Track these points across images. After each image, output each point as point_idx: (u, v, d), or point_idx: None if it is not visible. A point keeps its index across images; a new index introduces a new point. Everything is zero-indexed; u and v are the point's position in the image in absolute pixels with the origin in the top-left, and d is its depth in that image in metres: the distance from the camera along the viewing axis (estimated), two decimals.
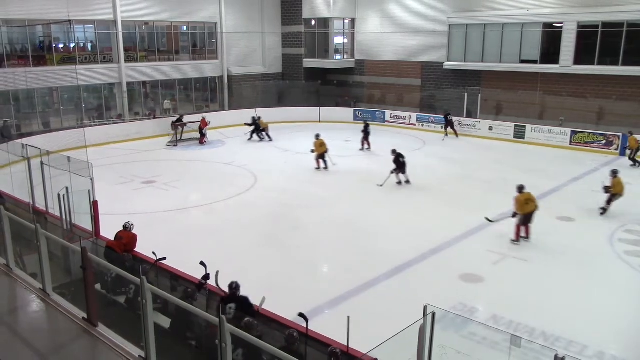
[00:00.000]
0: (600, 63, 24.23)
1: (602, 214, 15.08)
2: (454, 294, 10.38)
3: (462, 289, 10.70)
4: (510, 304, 10.05)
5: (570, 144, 24.13)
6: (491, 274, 11.36)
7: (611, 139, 23.20)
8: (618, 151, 22.81)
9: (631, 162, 20.56)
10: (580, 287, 10.84)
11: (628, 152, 20.75)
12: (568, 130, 24.28)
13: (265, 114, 27.37)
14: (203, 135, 25.18)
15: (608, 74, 23.95)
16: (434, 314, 6.01)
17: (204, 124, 25.28)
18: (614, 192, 15.11)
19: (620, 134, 22.84)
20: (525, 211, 12.92)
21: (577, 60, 24.81)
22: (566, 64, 25.05)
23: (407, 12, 30.55)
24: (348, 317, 6.87)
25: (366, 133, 23.38)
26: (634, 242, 13.10)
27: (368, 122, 24.15)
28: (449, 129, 26.62)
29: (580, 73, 24.69)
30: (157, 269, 9.47)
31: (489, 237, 13.49)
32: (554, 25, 25.58)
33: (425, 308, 5.97)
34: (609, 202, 15.15)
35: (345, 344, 7.42)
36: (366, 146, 23.26)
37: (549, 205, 16.10)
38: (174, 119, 25.88)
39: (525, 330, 9.01)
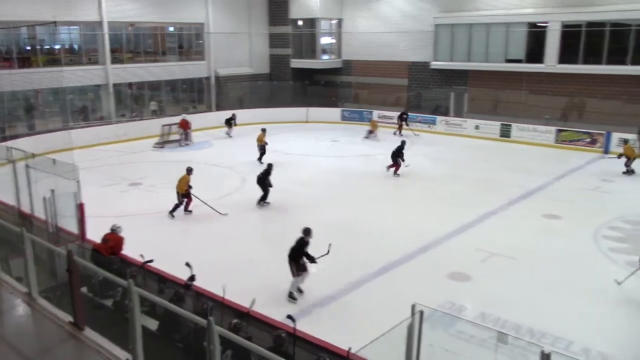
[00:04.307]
0: (584, 62, 24.50)
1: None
2: (442, 292, 10.44)
3: (450, 287, 10.76)
4: (497, 301, 10.14)
5: (555, 142, 24.37)
6: (479, 272, 11.44)
7: (595, 137, 23.46)
8: (602, 149, 23.09)
9: (624, 170, 19.53)
10: (566, 284, 10.95)
11: (624, 159, 19.58)
12: (553, 129, 24.53)
13: (253, 115, 27.37)
14: (185, 136, 25.11)
15: (592, 73, 24.21)
16: (422, 313, 6.06)
17: (184, 125, 25.17)
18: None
19: (605, 132, 23.13)
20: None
21: (562, 60, 25.06)
22: (551, 63, 25.30)
23: (394, 12, 30.65)
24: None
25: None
26: (618, 239, 13.26)
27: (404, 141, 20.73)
28: (404, 126, 26.91)
29: (564, 72, 24.93)
30: (144, 272, 9.43)
31: (477, 235, 13.59)
32: (539, 25, 25.82)
33: (413, 307, 6.01)
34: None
35: (335, 344, 7.44)
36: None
37: (535, 203, 16.30)
38: (167, 120, 25.85)
39: (512, 327, 9.09)
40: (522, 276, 11.33)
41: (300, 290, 10.37)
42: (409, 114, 27.59)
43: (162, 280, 9.60)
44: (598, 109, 24.07)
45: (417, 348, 6.01)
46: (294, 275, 10.22)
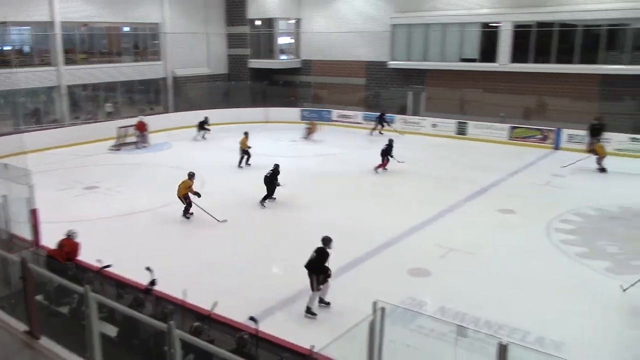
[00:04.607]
0: (535, 61, 25.30)
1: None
2: (403, 288, 10.61)
3: (410, 283, 10.95)
4: (456, 295, 10.37)
5: (509, 139, 25.10)
6: (438, 268, 11.67)
7: (546, 134, 24.27)
8: (553, 145, 23.90)
9: (599, 169, 19.59)
10: (521, 277, 11.30)
11: (595, 157, 19.71)
12: (507, 126, 25.25)
13: (212, 115, 27.09)
14: (142, 138, 24.70)
15: (542, 72, 25.03)
16: (383, 310, 6.15)
17: (141, 127, 24.74)
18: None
19: (555, 129, 23.94)
20: None
21: (514, 59, 25.80)
22: (504, 62, 26.01)
23: (352, 12, 30.89)
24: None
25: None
26: (569, 231, 13.77)
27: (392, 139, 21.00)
28: (384, 126, 27.10)
29: (517, 71, 25.68)
30: (102, 277, 9.25)
31: (436, 231, 13.88)
32: (491, 25, 26.50)
33: (374, 304, 6.10)
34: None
35: (298, 344, 7.48)
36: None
37: (490, 199, 16.75)
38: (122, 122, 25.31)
39: (471, 320, 9.32)
40: (479, 270, 11.63)
41: (326, 303, 9.80)
42: (386, 114, 27.60)
43: (121, 286, 9.44)
44: (549, 107, 24.90)
45: (379, 344, 6.10)
46: (314, 289, 9.54)
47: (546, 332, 8.97)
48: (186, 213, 14.68)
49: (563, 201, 16.24)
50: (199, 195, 14.49)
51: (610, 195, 16.84)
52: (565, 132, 23.75)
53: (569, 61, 24.39)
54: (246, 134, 20.61)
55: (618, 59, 23.59)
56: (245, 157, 20.32)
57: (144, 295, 8.21)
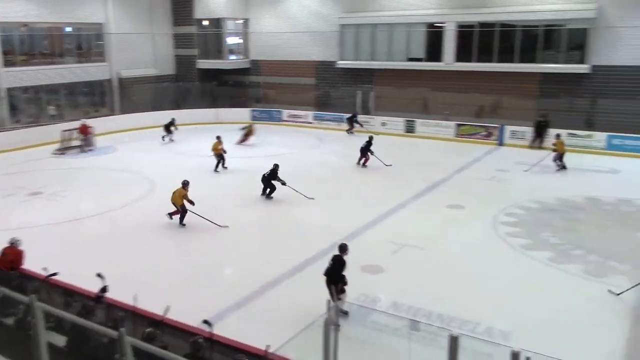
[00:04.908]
0: (478, 60, 26.12)
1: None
2: (356, 285, 10.67)
3: (364, 280, 11.07)
4: (409, 290, 10.59)
5: (455, 136, 25.79)
6: (390, 264, 11.88)
7: (490, 131, 25.08)
8: (497, 141, 24.73)
9: (557, 167, 19.59)
10: (470, 270, 11.66)
11: (554, 154, 19.70)
12: (453, 124, 25.93)
13: (161, 117, 26.58)
14: (86, 141, 23.97)
15: (485, 71, 25.85)
16: (337, 307, 6.24)
17: (84, 130, 24.00)
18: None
19: (499, 126, 24.78)
20: None
21: (459, 58, 26.57)
22: (449, 61, 26.71)
23: (300, 12, 30.94)
24: None
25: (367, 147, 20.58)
26: (513, 224, 14.31)
27: (372, 136, 21.32)
28: (354, 127, 27.28)
29: (461, 70, 26.43)
30: (48, 286, 8.96)
31: (388, 228, 14.12)
32: (436, 25, 27.14)
33: (329, 301, 6.19)
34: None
35: (253, 345, 7.48)
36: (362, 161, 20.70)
37: (439, 195, 17.18)
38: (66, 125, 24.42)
39: (424, 314, 9.55)
40: (430, 265, 11.92)
41: (344, 312, 9.29)
42: (358, 114, 27.73)
43: (69, 294, 9.15)
44: (493, 104, 25.72)
45: (335, 342, 6.17)
46: (333, 299, 8.97)
47: (495, 323, 9.29)
48: (181, 220, 14.27)
49: (507, 195, 16.85)
50: (192, 203, 14.09)
51: (549, 188, 17.60)
52: (509, 129, 24.63)
53: (510, 60, 25.32)
54: (218, 137, 20.21)
55: (555, 58, 24.63)
56: (221, 161, 19.93)
57: (93, 303, 8.01)
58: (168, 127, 25.50)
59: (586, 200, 16.34)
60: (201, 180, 17.75)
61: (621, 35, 23.11)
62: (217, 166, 19.85)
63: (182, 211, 14.18)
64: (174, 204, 14.21)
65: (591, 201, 16.28)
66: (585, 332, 9.11)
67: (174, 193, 14.25)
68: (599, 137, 22.80)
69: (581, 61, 23.91)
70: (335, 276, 9.21)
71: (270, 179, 16.44)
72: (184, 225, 14.22)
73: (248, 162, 21.28)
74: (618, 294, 10.25)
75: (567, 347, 8.34)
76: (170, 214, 14.35)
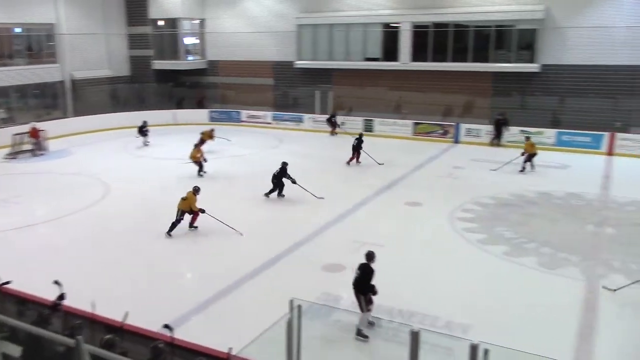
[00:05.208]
0: (433, 60, 26.58)
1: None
2: (318, 284, 10.79)
3: (325, 278, 11.16)
4: None
5: (413, 135, 26.21)
6: (352, 262, 11.93)
7: (447, 129, 25.61)
8: (453, 139, 25.27)
9: (521, 168, 19.43)
10: (430, 265, 11.91)
11: (522, 156, 19.47)
12: (410, 122, 26.35)
13: (116, 119, 26.02)
14: (37, 145, 23.24)
15: (441, 70, 26.36)
16: (300, 307, 6.25)
17: (34, 134, 23.26)
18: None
19: (454, 124, 25.33)
20: None
21: (415, 58, 26.96)
22: (405, 61, 27.11)
23: (257, 12, 30.80)
24: None
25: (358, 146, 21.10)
26: (470, 219, 14.67)
27: (362, 134, 21.86)
28: (336, 129, 27.25)
29: (417, 69, 26.85)
30: (0, 295, 8.66)
31: (348, 226, 14.25)
32: (392, 25, 27.50)
33: (291, 302, 6.19)
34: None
35: (215, 348, 7.43)
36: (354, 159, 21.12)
37: (398, 192, 17.44)
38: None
39: (385, 310, 9.65)
40: (390, 262, 12.00)
41: (371, 323, 9.07)
42: (336, 115, 27.62)
43: (22, 302, 8.87)
44: (448, 103, 26.25)
45: (298, 342, 6.20)
46: (363, 310, 8.78)
47: (454, 317, 9.51)
48: (192, 223, 13.89)
49: (463, 191, 17.25)
50: (203, 210, 13.65)
51: (503, 183, 18.11)
52: (464, 127, 25.20)
53: (464, 60, 25.89)
54: (196, 145, 19.82)
55: (506, 58, 25.35)
56: (200, 166, 19.39)
57: (50, 311, 7.79)
58: (142, 130, 24.67)
59: (538, 195, 16.89)
60: (153, 183, 17.47)
61: (568, 36, 23.98)
62: (200, 171, 19.31)
63: (194, 214, 13.78)
64: (181, 210, 13.62)
65: (543, 196, 16.84)
66: (541, 323, 9.41)
67: (183, 199, 13.67)
68: (549, 134, 23.58)
69: (531, 60, 24.66)
70: (364, 286, 8.91)
71: (280, 177, 16.31)
72: (196, 227, 13.91)
73: (209, 163, 21.07)
74: (615, 290, 10.41)
75: (524, 339, 8.59)
76: (191, 224, 13.91)
